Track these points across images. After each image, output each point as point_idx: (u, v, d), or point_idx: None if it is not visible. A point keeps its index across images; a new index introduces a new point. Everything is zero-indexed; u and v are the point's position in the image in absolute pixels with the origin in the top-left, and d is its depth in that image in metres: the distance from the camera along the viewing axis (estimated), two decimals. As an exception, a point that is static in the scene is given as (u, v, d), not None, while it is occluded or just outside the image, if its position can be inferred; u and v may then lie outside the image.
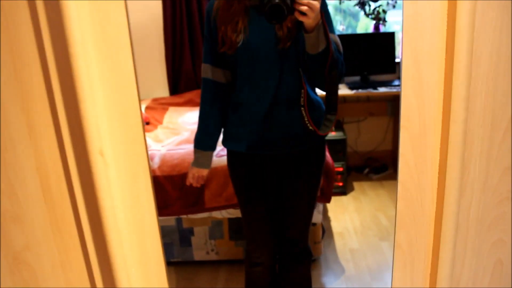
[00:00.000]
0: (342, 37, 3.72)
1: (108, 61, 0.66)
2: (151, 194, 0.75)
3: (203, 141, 1.77)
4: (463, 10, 0.61)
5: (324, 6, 1.47)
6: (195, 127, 3.11)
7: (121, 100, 0.70)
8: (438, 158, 0.71)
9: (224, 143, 1.77)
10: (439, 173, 0.72)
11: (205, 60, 1.68)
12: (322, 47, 1.42)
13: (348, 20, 4.22)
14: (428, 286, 0.79)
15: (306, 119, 1.55)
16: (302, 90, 1.55)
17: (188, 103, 3.66)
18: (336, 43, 1.50)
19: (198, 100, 3.67)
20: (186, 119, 3.26)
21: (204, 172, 1.80)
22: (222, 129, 1.77)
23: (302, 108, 1.55)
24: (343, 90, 3.63)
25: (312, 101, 1.63)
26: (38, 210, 0.83)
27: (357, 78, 3.86)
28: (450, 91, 0.65)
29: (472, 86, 0.67)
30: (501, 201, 0.77)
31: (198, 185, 1.84)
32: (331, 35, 1.44)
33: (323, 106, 1.69)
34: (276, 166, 1.74)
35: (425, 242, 0.77)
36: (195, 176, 1.80)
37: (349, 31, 4.22)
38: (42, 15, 0.67)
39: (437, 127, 0.70)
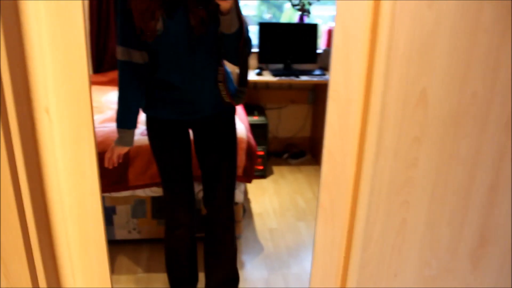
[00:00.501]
0: (268, 25, 3.83)
1: (59, 20, 0.68)
2: (93, 151, 0.77)
3: (127, 120, 1.81)
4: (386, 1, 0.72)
5: None
6: (119, 105, 3.05)
7: (69, 61, 0.71)
8: (359, 126, 0.81)
9: (146, 110, 1.87)
10: (359, 140, 0.82)
11: (122, 43, 1.70)
12: (235, 27, 1.58)
13: (273, 10, 4.33)
14: (345, 240, 0.90)
15: (224, 93, 1.75)
16: (220, 68, 1.74)
17: (112, 82, 3.57)
18: (246, 23, 1.66)
19: (121, 79, 3.61)
20: (110, 98, 3.19)
21: (126, 149, 1.85)
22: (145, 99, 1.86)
23: (220, 84, 1.74)
24: (267, 77, 3.74)
25: (227, 78, 1.80)
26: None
27: (280, 66, 3.99)
28: (372, 68, 0.75)
29: (390, 65, 0.78)
30: (408, 167, 0.89)
31: (116, 164, 1.87)
32: (242, 17, 1.60)
33: (232, 79, 1.88)
34: (192, 127, 1.91)
35: (345, 202, 0.87)
36: (117, 154, 1.84)
37: (273, 21, 4.34)
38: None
39: (359, 99, 0.80)
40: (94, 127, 0.77)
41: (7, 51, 0.70)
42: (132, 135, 1.83)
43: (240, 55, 1.68)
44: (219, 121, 1.88)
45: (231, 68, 1.89)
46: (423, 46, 0.80)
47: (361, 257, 0.92)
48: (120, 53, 1.72)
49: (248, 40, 1.66)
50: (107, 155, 1.84)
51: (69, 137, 0.76)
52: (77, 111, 0.74)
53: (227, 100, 1.79)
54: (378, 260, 0.96)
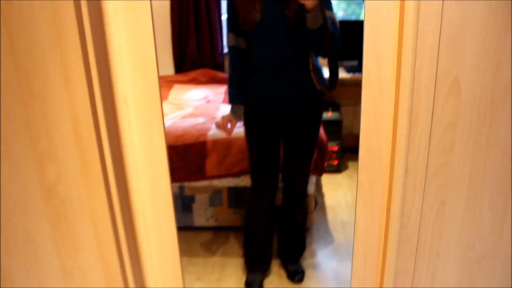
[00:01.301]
0: (342, 23, 3.87)
1: (133, 27, 0.85)
2: (162, 136, 0.93)
3: (238, 96, 2.09)
4: None
5: None
6: (198, 103, 3.31)
7: (142, 61, 0.88)
8: (392, 113, 0.89)
9: (246, 108, 2.12)
10: (393, 125, 0.90)
11: (230, 30, 2.00)
12: (319, 23, 1.76)
13: (352, 7, 4.35)
14: (384, 218, 0.98)
15: (315, 80, 1.95)
16: (310, 58, 1.94)
17: (192, 81, 3.83)
18: (332, 19, 1.83)
19: (202, 78, 3.87)
20: (190, 96, 3.44)
21: (237, 121, 2.13)
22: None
23: (311, 71, 1.93)
24: (341, 74, 3.79)
25: (317, 67, 1.99)
26: (70, 149, 1.02)
27: (354, 63, 4.01)
28: (400, 59, 0.83)
29: (418, 56, 0.85)
30: (444, 152, 0.95)
31: (228, 130, 2.14)
32: (328, 12, 1.79)
33: (324, 78, 2.05)
34: (286, 122, 2.10)
35: (382, 181, 0.95)
36: (230, 122, 2.12)
37: (353, 18, 4.36)
38: (84, 2, 0.85)
39: (391, 88, 0.88)
40: (162, 114, 0.94)
41: (95, 53, 0.89)
42: (242, 110, 2.10)
43: (327, 49, 1.86)
44: (309, 115, 2.10)
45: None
46: (452, 37, 0.86)
47: (400, 235, 1.00)
48: (229, 39, 2.00)
49: (332, 36, 1.82)
50: (219, 123, 2.16)
51: (143, 122, 0.93)
52: (149, 101, 0.91)
53: (319, 87, 1.98)
54: (418, 239, 1.02)
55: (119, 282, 1.17)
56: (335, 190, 3.53)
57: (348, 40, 3.92)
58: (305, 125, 2.12)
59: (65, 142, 1.01)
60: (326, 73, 2.01)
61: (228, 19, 1.98)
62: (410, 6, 0.80)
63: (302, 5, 1.75)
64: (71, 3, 0.89)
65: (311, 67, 1.95)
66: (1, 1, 0.90)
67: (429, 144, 0.94)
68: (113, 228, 1.05)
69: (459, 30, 0.87)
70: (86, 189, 1.06)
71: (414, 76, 0.86)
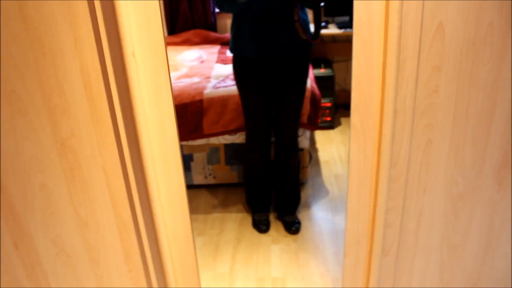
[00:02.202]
0: (333, -23, 3.86)
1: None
2: (168, 85, 1.00)
3: None
4: None
5: None
6: (192, 63, 3.34)
7: (148, 14, 0.94)
8: (381, 57, 0.96)
9: (232, 50, 2.20)
10: (382, 69, 0.97)
11: None
12: None
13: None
14: (376, 157, 1.07)
15: (300, 30, 2.05)
16: (295, 9, 2.03)
17: (186, 42, 3.85)
18: None
19: (195, 39, 3.88)
20: (184, 57, 3.47)
21: None
22: (232, 40, 2.19)
23: (296, 22, 2.03)
24: (333, 30, 3.81)
25: (302, 19, 2.09)
26: (81, 104, 1.08)
27: (346, 18, 4.03)
28: (388, 6, 0.89)
29: (404, 3, 0.92)
30: (430, 93, 1.03)
31: None
32: None
33: (310, 30, 2.17)
34: (274, 67, 2.19)
35: (373, 123, 1.04)
36: None
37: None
38: None
39: (380, 33, 0.94)
40: (168, 65, 1.00)
41: (102, 11, 0.94)
42: None
43: (312, 1, 1.96)
44: (296, 61, 2.19)
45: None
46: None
47: (390, 173, 1.09)
48: None
49: None
50: None
51: (150, 74, 0.99)
52: (155, 54, 0.97)
53: (303, 37, 2.06)
54: (406, 176, 1.11)
55: (131, 230, 1.26)
56: (328, 145, 3.63)
57: (339, -4, 3.94)
58: (292, 72, 2.22)
59: (77, 98, 1.08)
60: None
61: None
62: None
63: None
64: (76, -37, 0.94)
65: (296, 17, 2.04)
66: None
67: (416, 86, 1.02)
68: (125, 178, 1.13)
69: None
70: (98, 142, 1.13)
71: (401, 22, 0.93)
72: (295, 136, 2.41)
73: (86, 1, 0.96)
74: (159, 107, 1.03)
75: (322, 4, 2.02)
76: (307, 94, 2.69)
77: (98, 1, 0.93)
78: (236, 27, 2.15)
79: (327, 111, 3.86)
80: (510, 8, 0.98)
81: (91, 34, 0.99)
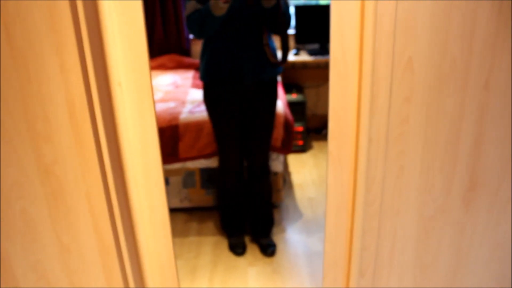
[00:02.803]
0: (303, 8, 4.00)
1: (125, 18, 0.94)
2: (153, 114, 1.04)
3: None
4: None
5: None
6: (167, 88, 3.38)
7: (134, 45, 0.98)
8: (356, 88, 1.03)
9: (204, 78, 2.24)
10: (357, 100, 1.04)
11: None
12: (272, 2, 1.96)
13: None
14: (352, 182, 1.12)
15: (269, 53, 2.13)
16: (264, 35, 2.12)
17: (160, 67, 3.88)
18: (284, 1, 2.05)
19: (169, 64, 3.92)
20: (159, 81, 3.50)
21: None
22: (202, 67, 2.23)
23: (265, 45, 2.13)
24: (304, 57, 3.93)
25: (270, 44, 2.18)
26: (65, 131, 1.10)
27: (316, 46, 4.16)
28: (362, 42, 0.97)
29: (377, 39, 0.99)
30: (401, 122, 1.10)
31: None
32: None
33: (276, 54, 2.24)
34: (245, 93, 2.25)
35: (349, 150, 1.10)
36: None
37: (313, 2, 4.49)
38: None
39: (354, 66, 1.02)
40: (152, 94, 1.04)
41: (89, 41, 0.97)
42: None
43: (280, 26, 2.06)
44: (266, 86, 2.26)
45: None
46: (406, 23, 1.00)
47: (366, 197, 1.15)
48: (190, 6, 2.04)
49: (284, 14, 2.02)
50: None
51: (135, 103, 1.03)
52: (140, 84, 1.01)
53: (272, 60, 2.15)
54: (381, 199, 1.17)
55: (113, 254, 1.26)
56: (301, 169, 3.70)
57: (309, 24, 4.08)
58: (263, 96, 2.28)
59: (61, 124, 1.09)
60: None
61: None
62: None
63: None
64: (65, -5, 0.97)
65: (264, 41, 2.13)
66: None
67: (388, 116, 1.09)
68: (108, 204, 1.15)
69: (411, 15, 1.01)
70: (81, 168, 1.14)
71: (374, 57, 1.00)
72: (267, 159, 2.47)
73: (73, 30, 0.98)
74: (143, 135, 1.07)
75: (288, 30, 2.13)
76: (281, 120, 2.76)
77: (85, 31, 0.96)
78: (206, 54, 2.20)
79: (299, 135, 3.94)
80: (470, 45, 1.07)
81: (77, 63, 1.01)
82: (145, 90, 1.01)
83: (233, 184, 2.49)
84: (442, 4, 1.02)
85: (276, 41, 2.37)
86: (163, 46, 4.06)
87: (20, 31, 1.01)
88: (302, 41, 4.08)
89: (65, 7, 0.98)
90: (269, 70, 2.22)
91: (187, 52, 4.13)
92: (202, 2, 2.02)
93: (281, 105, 2.88)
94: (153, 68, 3.86)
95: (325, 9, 4.08)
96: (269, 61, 2.17)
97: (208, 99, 2.30)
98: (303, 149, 3.98)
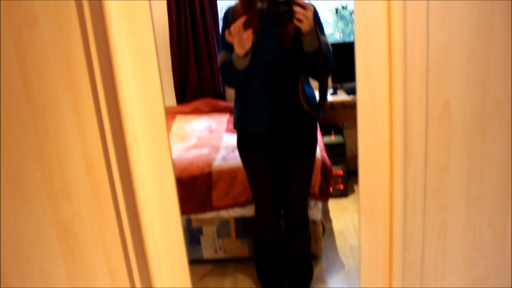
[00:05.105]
0: (340, 45, 3.94)
1: (141, 71, 0.91)
2: (171, 170, 0.98)
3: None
4: (396, 19, 0.86)
5: (316, 16, 1.89)
6: (201, 134, 3.36)
7: (150, 100, 0.94)
8: (388, 138, 0.94)
9: (237, 126, 2.15)
10: (389, 149, 0.95)
11: (223, 49, 1.99)
12: (315, 46, 1.85)
13: (350, 28, 4.43)
14: (388, 240, 1.01)
15: (302, 100, 2.00)
16: (300, 79, 2.00)
17: (195, 111, 3.90)
18: (326, 43, 1.92)
19: (204, 108, 3.94)
20: (193, 126, 3.50)
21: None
22: (235, 115, 2.15)
23: (301, 93, 2.00)
24: (342, 96, 3.85)
25: (306, 90, 2.05)
26: (83, 188, 1.06)
27: (354, 84, 4.07)
28: (392, 86, 0.89)
29: (408, 82, 0.91)
30: (440, 172, 0.99)
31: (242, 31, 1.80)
32: (322, 37, 1.87)
33: (315, 98, 2.11)
34: (280, 144, 2.14)
35: (383, 205, 0.99)
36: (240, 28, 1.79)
37: (352, 39, 4.45)
38: (93, 48, 0.92)
39: (385, 113, 0.93)
40: (170, 151, 0.99)
41: (105, 96, 0.95)
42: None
43: (320, 72, 1.92)
44: (303, 135, 2.15)
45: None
46: (439, 63, 0.92)
47: (404, 257, 1.03)
48: (222, 57, 2.01)
49: (327, 58, 1.90)
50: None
51: (152, 160, 0.98)
52: (157, 140, 0.96)
53: (306, 107, 2.02)
54: (422, 260, 1.05)
55: (133, 316, 1.19)
56: (342, 215, 3.55)
57: (347, 62, 3.99)
58: (300, 146, 2.17)
59: (79, 181, 1.06)
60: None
61: (222, 41, 1.96)
62: (396, 33, 0.86)
63: (299, 29, 1.83)
64: (82, 50, 0.96)
65: (300, 88, 2.02)
66: (16, 49, 0.97)
67: (426, 166, 0.98)
68: (126, 263, 1.09)
69: (445, 53, 0.93)
70: (99, 226, 1.10)
71: (406, 101, 0.92)
72: (305, 210, 2.33)
73: (90, 88, 0.97)
74: (161, 192, 1.01)
75: (328, 74, 1.99)
76: (318, 165, 2.66)
77: (102, 88, 0.94)
78: (238, 101, 2.13)
79: (339, 179, 3.81)
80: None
81: (94, 120, 0.99)
82: (162, 146, 0.97)
83: (270, 237, 2.36)
84: (477, 38, 0.94)
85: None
86: (198, 90, 4.10)
87: (38, 88, 1.00)
88: (339, 79, 4.01)
89: (83, 65, 0.96)
90: (304, 120, 2.10)
91: (221, 96, 4.15)
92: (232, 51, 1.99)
93: (318, 148, 2.79)
94: (188, 112, 3.89)
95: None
96: (304, 109, 2.05)
97: (241, 148, 2.23)
98: (344, 194, 3.84)
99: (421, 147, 0.96)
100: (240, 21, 1.75)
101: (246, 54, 1.84)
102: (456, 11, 0.93)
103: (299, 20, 1.75)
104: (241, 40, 1.77)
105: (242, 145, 2.21)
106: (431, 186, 1.00)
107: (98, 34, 0.92)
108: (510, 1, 0.92)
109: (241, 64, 1.89)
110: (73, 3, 0.93)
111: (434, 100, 0.94)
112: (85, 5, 0.91)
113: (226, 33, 1.79)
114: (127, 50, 0.91)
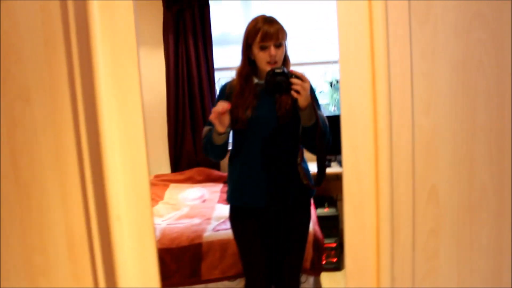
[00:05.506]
0: (333, 118, 4.01)
1: (126, 150, 0.92)
2: (154, 248, 0.96)
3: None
4: (382, 107, 0.89)
5: (312, 92, 1.92)
6: (194, 203, 3.34)
7: (135, 179, 0.94)
8: (375, 224, 0.93)
9: (230, 200, 2.12)
10: (376, 235, 0.93)
11: (208, 123, 2.02)
12: (313, 121, 1.86)
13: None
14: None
15: (302, 174, 1.99)
16: (299, 153, 2.01)
17: (188, 180, 3.90)
18: (323, 118, 1.94)
19: (198, 177, 3.94)
20: (186, 195, 3.48)
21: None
22: (229, 188, 2.12)
23: (298, 165, 1.99)
24: (335, 168, 3.87)
25: (303, 165, 2.04)
26: (63, 265, 1.03)
27: (347, 158, 4.11)
28: (378, 174, 0.89)
29: (394, 169, 0.92)
30: (429, 258, 0.97)
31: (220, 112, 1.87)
32: (318, 112, 1.89)
33: (310, 175, 2.09)
34: (275, 217, 2.11)
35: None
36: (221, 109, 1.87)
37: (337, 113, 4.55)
38: (82, 126, 0.93)
39: (371, 200, 0.93)
40: (154, 229, 0.97)
41: (91, 173, 0.95)
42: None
43: (318, 146, 1.93)
44: (297, 209, 2.12)
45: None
46: (424, 148, 0.93)
47: None
48: (204, 131, 2.05)
49: (324, 132, 1.91)
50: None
51: (135, 238, 0.96)
52: (141, 218, 0.95)
53: (305, 182, 2.01)
54: None
55: None
56: (335, 289, 3.44)
57: (340, 135, 4.04)
58: (293, 221, 2.13)
59: (59, 258, 1.03)
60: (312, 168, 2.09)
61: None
62: (382, 119, 0.88)
63: (296, 103, 1.86)
64: (71, 126, 0.97)
65: (298, 161, 2.02)
66: (7, 124, 0.98)
67: (413, 251, 0.97)
68: None
69: (431, 139, 0.94)
70: (77, 304, 1.05)
71: (392, 186, 0.92)
72: (297, 285, 2.26)
73: (77, 165, 0.97)
74: (143, 272, 0.98)
75: (326, 149, 1.98)
76: (309, 239, 2.62)
77: (88, 165, 0.94)
78: (232, 174, 2.12)
79: (333, 252, 3.73)
80: (503, 167, 0.98)
81: (78, 195, 0.98)
82: (146, 226, 0.95)
83: None
84: (464, 125, 0.96)
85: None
86: (192, 159, 4.13)
87: (25, 163, 1.00)
88: (333, 151, 4.04)
89: (71, 142, 0.97)
90: (300, 194, 2.09)
91: (216, 165, 4.16)
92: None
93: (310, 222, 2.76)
94: (181, 181, 3.88)
95: (354, 122, 4.09)
96: (302, 184, 2.04)
97: (234, 221, 2.18)
98: (337, 267, 3.74)
99: (409, 232, 0.95)
100: (224, 105, 1.84)
101: (224, 132, 1.91)
102: (440, 97, 0.96)
103: (297, 92, 1.79)
104: (221, 120, 1.86)
105: (235, 218, 2.17)
106: (419, 272, 0.98)
107: (88, 112, 0.94)
108: (492, 89, 0.96)
109: (219, 140, 1.94)
110: (65, 78, 0.96)
111: (421, 185, 0.95)
112: (77, 82, 0.94)
113: (212, 111, 1.87)
114: (116, 128, 0.92)
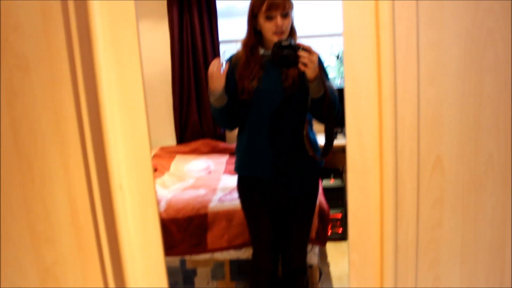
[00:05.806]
0: (339, 91, 3.97)
1: (127, 119, 0.91)
2: (156, 219, 0.96)
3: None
4: (386, 74, 0.86)
5: (320, 62, 1.90)
6: (200, 174, 3.34)
7: (136, 148, 0.93)
8: (379, 193, 0.92)
9: (240, 170, 2.12)
10: (380, 204, 0.93)
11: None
12: (321, 93, 1.84)
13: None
14: (378, 298, 0.98)
15: (307, 146, 1.98)
16: (305, 125, 2.00)
17: (194, 152, 3.90)
18: (332, 89, 1.90)
19: (204, 149, 3.94)
20: (192, 167, 3.49)
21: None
22: (237, 159, 2.13)
23: (305, 138, 1.99)
24: (341, 140, 3.84)
25: (310, 135, 2.04)
26: (67, 232, 1.04)
27: (354, 130, 4.09)
28: (382, 143, 0.88)
29: (398, 138, 0.90)
30: (433, 227, 0.97)
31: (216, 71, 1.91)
32: (327, 82, 1.86)
33: (318, 144, 2.08)
34: (283, 189, 2.11)
35: (373, 260, 0.96)
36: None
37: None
38: (82, 95, 0.92)
39: (375, 169, 0.91)
40: (156, 197, 0.97)
41: (92, 142, 0.94)
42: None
43: (326, 117, 1.91)
44: (305, 181, 2.13)
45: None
46: (430, 119, 0.91)
47: (397, 315, 0.99)
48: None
49: (333, 104, 1.88)
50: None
51: (137, 208, 0.96)
52: (142, 187, 0.95)
53: (311, 153, 2.00)
54: (415, 318, 1.01)
55: None
56: (341, 259, 3.47)
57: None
58: (300, 193, 2.14)
59: (63, 225, 1.04)
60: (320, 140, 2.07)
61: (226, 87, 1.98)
62: (387, 88, 0.86)
63: (304, 75, 1.83)
64: (71, 96, 0.96)
65: (305, 133, 2.01)
66: (7, 94, 0.97)
67: (418, 221, 0.96)
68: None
69: (437, 109, 0.92)
70: (81, 270, 1.07)
71: (397, 157, 0.90)
72: (304, 257, 2.28)
73: (77, 134, 0.96)
74: (146, 239, 0.99)
75: (335, 120, 1.94)
76: (315, 210, 2.62)
77: (89, 134, 0.93)
78: (240, 144, 2.12)
79: (338, 222, 3.76)
80: (510, 138, 0.96)
81: (80, 164, 0.98)
82: (148, 195, 0.95)
83: (266, 282, 2.28)
84: (468, 93, 0.94)
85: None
86: (198, 130, 4.12)
87: (26, 134, 0.99)
88: (339, 124, 4.00)
89: (71, 112, 0.96)
90: (306, 166, 2.08)
91: (221, 137, 4.16)
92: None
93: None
94: (187, 152, 3.88)
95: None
96: (308, 155, 2.03)
97: (242, 191, 2.20)
98: (342, 237, 3.77)
99: (413, 202, 0.94)
100: (217, 63, 1.87)
101: (219, 94, 1.91)
102: (446, 67, 0.93)
103: (304, 65, 1.76)
104: (213, 77, 1.88)
105: (243, 189, 2.19)
106: (423, 241, 0.97)
107: (88, 81, 0.92)
108: (499, 58, 0.93)
109: (216, 102, 1.94)
110: (64, 48, 0.94)
111: (425, 155, 0.93)
112: (76, 51, 0.92)
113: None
114: (116, 97, 0.91)
